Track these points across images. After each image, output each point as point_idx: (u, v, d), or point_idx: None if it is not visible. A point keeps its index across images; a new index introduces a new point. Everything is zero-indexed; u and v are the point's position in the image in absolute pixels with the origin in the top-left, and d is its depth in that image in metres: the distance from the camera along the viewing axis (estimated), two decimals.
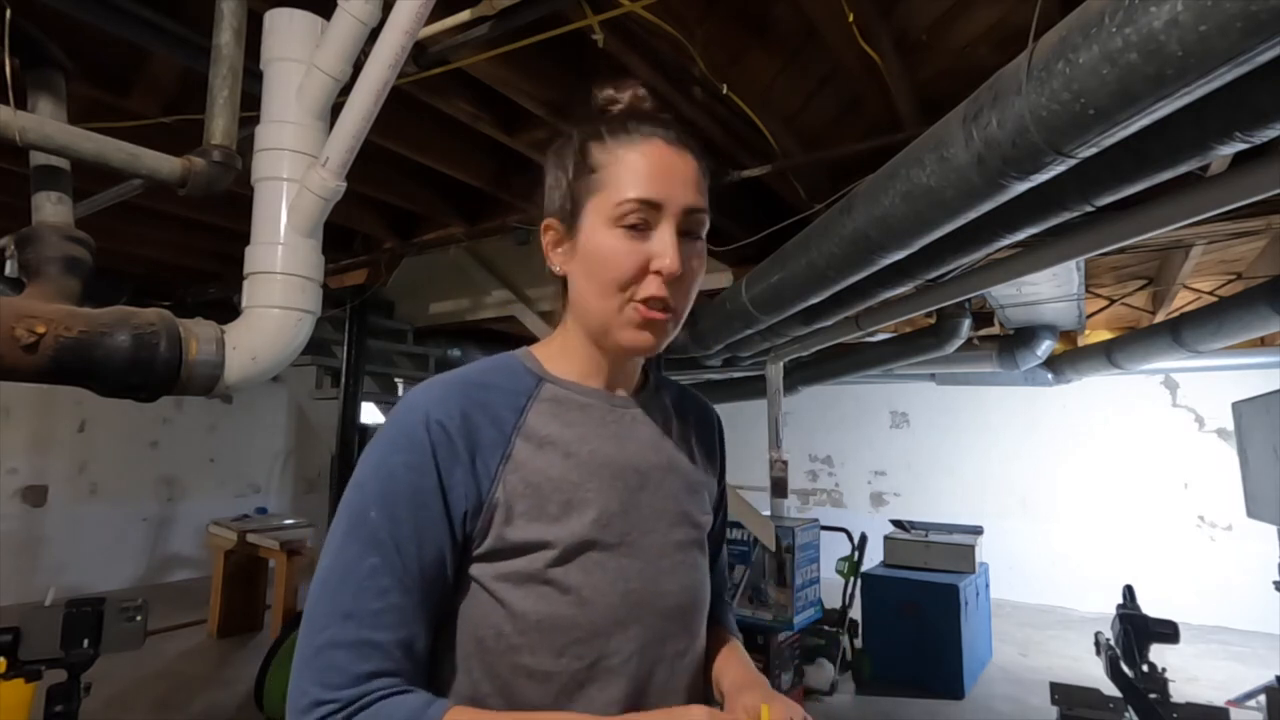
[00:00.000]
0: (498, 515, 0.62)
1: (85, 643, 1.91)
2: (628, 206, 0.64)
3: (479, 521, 0.62)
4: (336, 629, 0.56)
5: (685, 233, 0.66)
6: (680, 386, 0.86)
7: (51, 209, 1.28)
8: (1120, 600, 2.66)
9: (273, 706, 3.20)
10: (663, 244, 0.64)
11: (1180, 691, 2.40)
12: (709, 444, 0.83)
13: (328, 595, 0.57)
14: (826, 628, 3.99)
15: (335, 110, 1.28)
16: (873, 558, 4.47)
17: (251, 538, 4.51)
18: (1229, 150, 1.18)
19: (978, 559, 4.34)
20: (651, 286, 0.64)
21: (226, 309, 3.74)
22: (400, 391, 4.29)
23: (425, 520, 0.60)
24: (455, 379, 0.67)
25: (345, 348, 3.33)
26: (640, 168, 0.65)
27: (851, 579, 4.22)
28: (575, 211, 0.68)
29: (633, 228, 0.64)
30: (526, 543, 0.62)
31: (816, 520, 3.69)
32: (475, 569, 0.63)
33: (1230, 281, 3.51)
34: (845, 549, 4.32)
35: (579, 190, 0.67)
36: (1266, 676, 3.25)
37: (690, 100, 1.92)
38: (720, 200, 2.06)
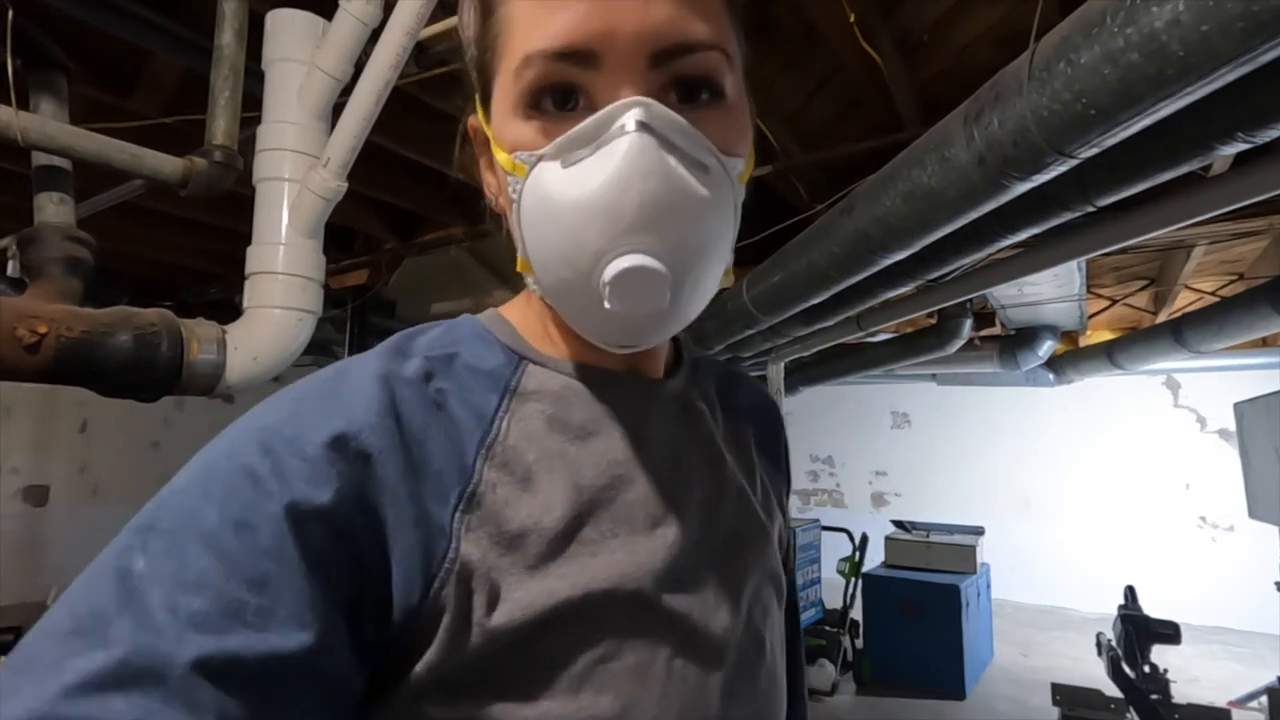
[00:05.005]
0: (447, 613, 0.35)
1: None
2: (531, 74, 0.37)
3: (416, 624, 0.35)
4: None
5: (681, 91, 0.38)
6: (725, 367, 0.58)
7: (53, 209, 1.28)
8: (1122, 601, 2.66)
9: None
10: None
11: (1181, 692, 2.40)
12: (773, 449, 0.57)
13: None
14: (827, 628, 3.99)
15: (336, 111, 1.28)
16: (874, 558, 4.47)
17: None
18: (1230, 150, 1.18)
19: (979, 559, 4.34)
20: None
21: (228, 309, 3.74)
22: None
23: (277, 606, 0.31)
24: (401, 363, 0.40)
25: (346, 348, 3.33)
26: None
27: (852, 579, 4.22)
28: (486, 97, 0.42)
29: (559, 105, 0.37)
30: (515, 627, 0.36)
31: (817, 521, 3.70)
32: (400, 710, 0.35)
33: (1232, 282, 3.51)
34: (846, 549, 4.32)
35: (484, 57, 0.41)
36: (1268, 677, 3.25)
37: None
38: None
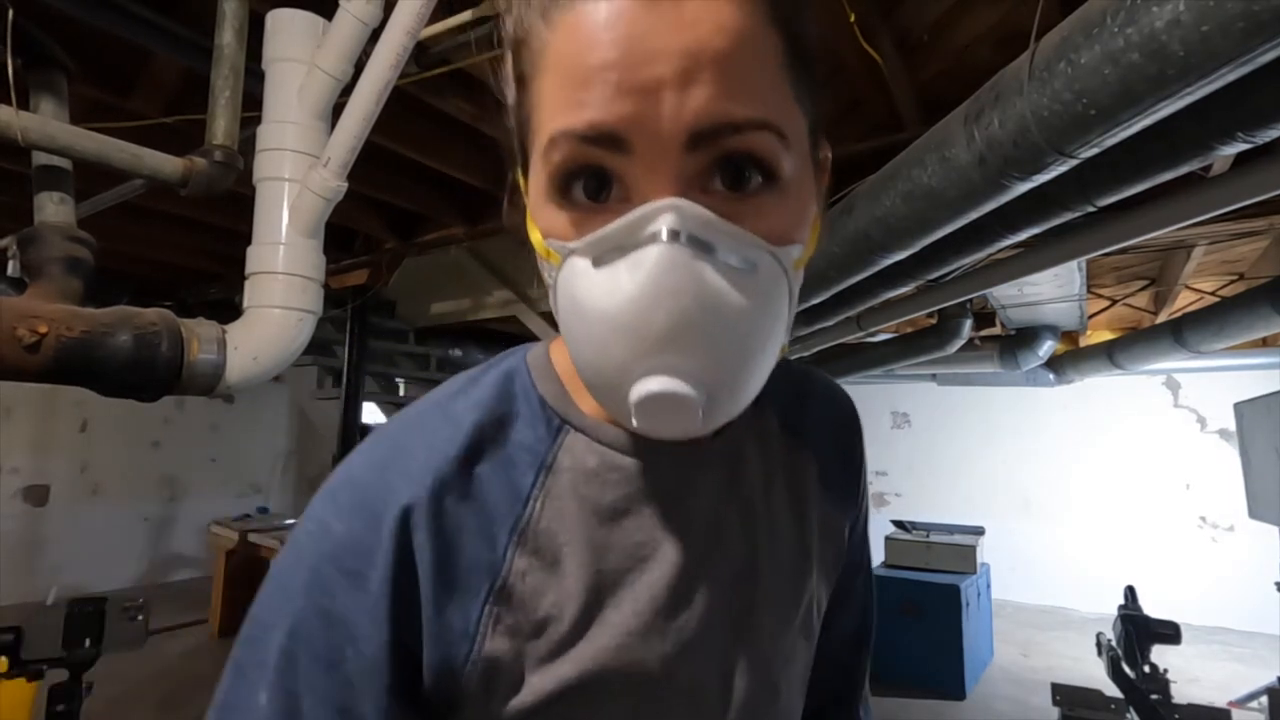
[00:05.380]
0: (474, 696, 0.39)
1: (87, 642, 1.91)
2: (559, 155, 0.34)
3: (447, 700, 0.39)
4: None
5: (728, 176, 0.34)
6: (798, 378, 0.54)
7: (54, 209, 1.28)
8: (1122, 601, 2.66)
9: None
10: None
11: (1182, 692, 2.40)
12: (842, 474, 0.54)
13: None
14: None
15: (337, 110, 1.28)
16: (874, 558, 4.46)
17: (253, 537, 4.52)
18: (1231, 150, 1.18)
19: (979, 559, 4.34)
20: None
21: (228, 309, 3.74)
22: (401, 392, 4.27)
23: (360, 708, 0.36)
24: (444, 434, 0.41)
25: (346, 348, 3.33)
26: (566, 64, 0.33)
27: None
28: (525, 169, 0.39)
29: (592, 194, 0.34)
30: (531, 708, 0.39)
31: None
32: None
33: (1232, 282, 3.50)
34: None
35: (522, 125, 0.39)
36: (1268, 677, 3.25)
37: None
38: None
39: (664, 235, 0.31)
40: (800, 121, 0.36)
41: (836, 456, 0.54)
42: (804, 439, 0.52)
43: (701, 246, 0.32)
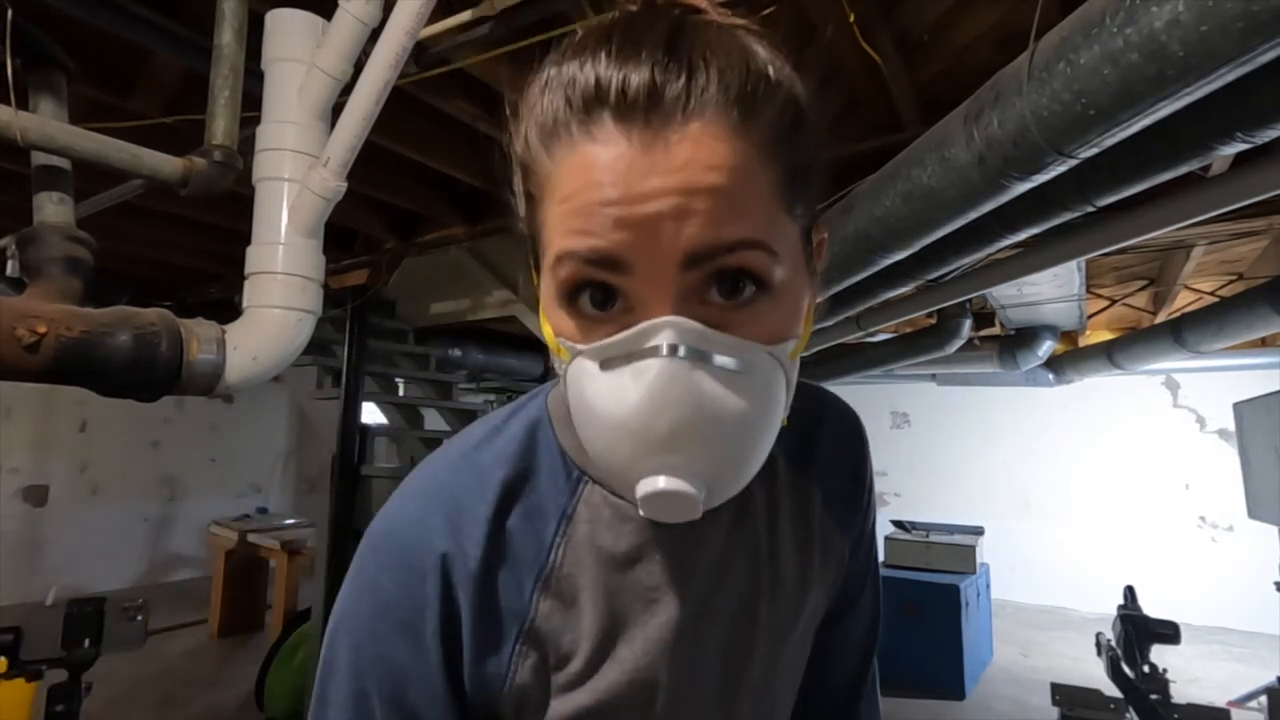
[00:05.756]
0: (509, 712, 0.46)
1: (86, 642, 1.91)
2: (566, 271, 0.37)
3: (486, 717, 0.46)
4: None
5: (723, 288, 0.36)
6: (808, 404, 0.56)
7: (53, 209, 1.28)
8: (1121, 601, 2.66)
9: (273, 706, 3.20)
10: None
11: (1181, 692, 2.40)
12: (845, 496, 0.57)
13: None
14: None
15: (336, 110, 1.28)
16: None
17: (252, 537, 4.52)
18: (1230, 150, 1.18)
19: (979, 559, 4.34)
20: None
21: (227, 309, 3.74)
22: (400, 391, 4.27)
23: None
24: (475, 486, 0.46)
25: (346, 348, 3.33)
26: (571, 194, 0.36)
27: None
28: (539, 269, 0.42)
29: (598, 305, 0.37)
30: None
31: None
32: None
33: (1231, 282, 3.51)
34: None
35: (533, 235, 0.42)
36: (1267, 677, 3.25)
37: None
38: None
39: (664, 350, 0.35)
40: (792, 229, 0.39)
41: (844, 475, 0.57)
42: (810, 467, 0.55)
43: (699, 356, 0.35)
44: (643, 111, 0.34)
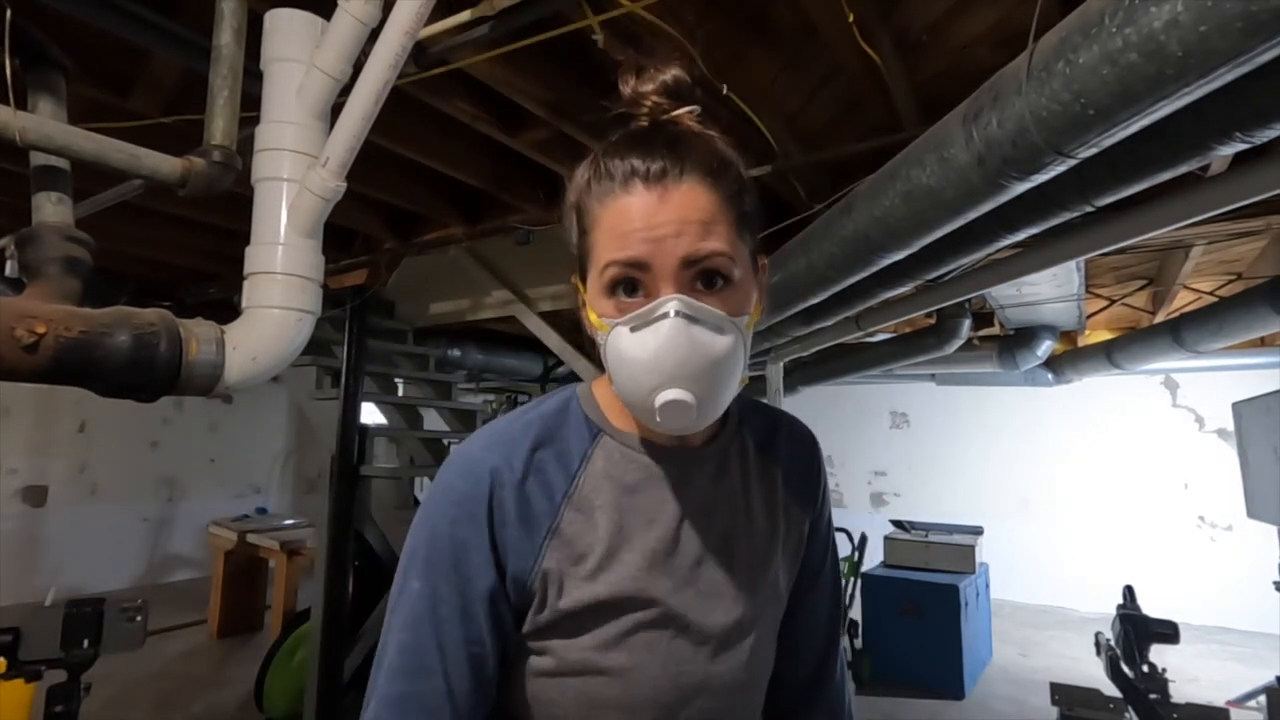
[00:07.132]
0: (537, 595, 0.61)
1: (85, 643, 1.91)
2: (610, 273, 0.58)
3: (522, 599, 0.62)
4: (376, 709, 0.59)
5: (704, 281, 0.58)
6: (770, 415, 0.78)
7: (52, 209, 1.28)
8: (1120, 600, 2.66)
9: (273, 706, 3.19)
10: None
11: (1180, 692, 2.40)
12: (801, 483, 0.75)
13: (374, 670, 0.61)
14: None
15: (335, 110, 1.28)
16: (873, 558, 4.47)
17: (252, 538, 4.52)
18: (1229, 150, 1.18)
19: (978, 559, 4.34)
20: None
21: (226, 309, 3.74)
22: (400, 392, 4.28)
23: (472, 593, 0.60)
24: (520, 431, 0.65)
25: (345, 348, 3.32)
26: (615, 226, 0.58)
27: (852, 579, 4.22)
28: (584, 277, 0.64)
29: (628, 293, 0.59)
30: (571, 611, 0.61)
31: None
32: (517, 654, 0.63)
33: (1230, 282, 3.51)
34: (845, 549, 4.32)
35: (583, 253, 0.63)
36: (1267, 677, 3.26)
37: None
38: None
39: (671, 314, 0.56)
40: (744, 249, 0.62)
41: (799, 471, 0.76)
42: (774, 457, 0.75)
43: (691, 319, 0.56)
44: (657, 180, 0.57)
